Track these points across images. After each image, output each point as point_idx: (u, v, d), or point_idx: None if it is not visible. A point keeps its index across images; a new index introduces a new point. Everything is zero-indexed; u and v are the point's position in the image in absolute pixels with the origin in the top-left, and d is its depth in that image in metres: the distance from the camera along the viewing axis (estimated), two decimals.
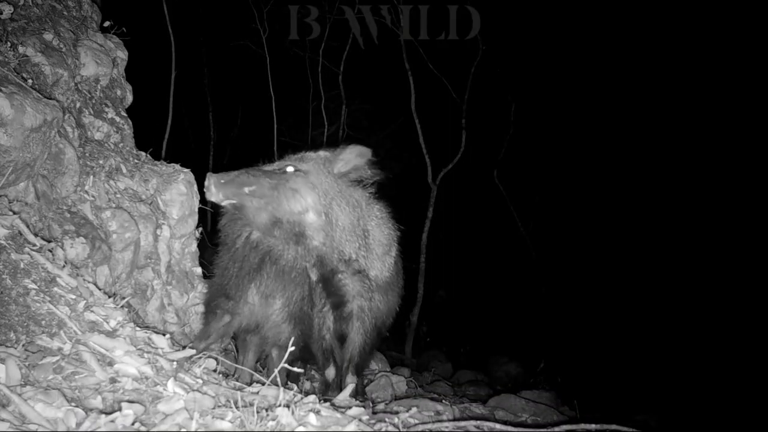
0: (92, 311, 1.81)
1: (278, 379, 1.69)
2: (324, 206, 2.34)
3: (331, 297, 2.55)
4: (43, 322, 1.63)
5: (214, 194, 2.29)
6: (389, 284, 2.48)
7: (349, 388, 2.12)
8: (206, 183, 2.31)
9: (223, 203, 2.37)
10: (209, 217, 6.85)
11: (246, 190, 2.29)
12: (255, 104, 9.01)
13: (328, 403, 1.82)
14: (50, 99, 2.24)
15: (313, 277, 2.48)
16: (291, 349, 1.87)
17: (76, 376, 1.47)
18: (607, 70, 9.13)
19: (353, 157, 2.42)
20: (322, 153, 2.49)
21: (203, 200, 3.14)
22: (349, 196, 2.41)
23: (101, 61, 2.90)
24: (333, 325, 2.68)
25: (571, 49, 8.98)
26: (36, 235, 2.01)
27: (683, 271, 8.30)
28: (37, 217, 2.15)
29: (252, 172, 2.37)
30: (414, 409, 2.18)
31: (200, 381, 1.73)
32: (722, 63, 8.59)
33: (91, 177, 2.57)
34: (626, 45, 8.92)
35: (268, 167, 2.47)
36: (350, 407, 1.79)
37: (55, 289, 1.80)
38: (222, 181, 2.29)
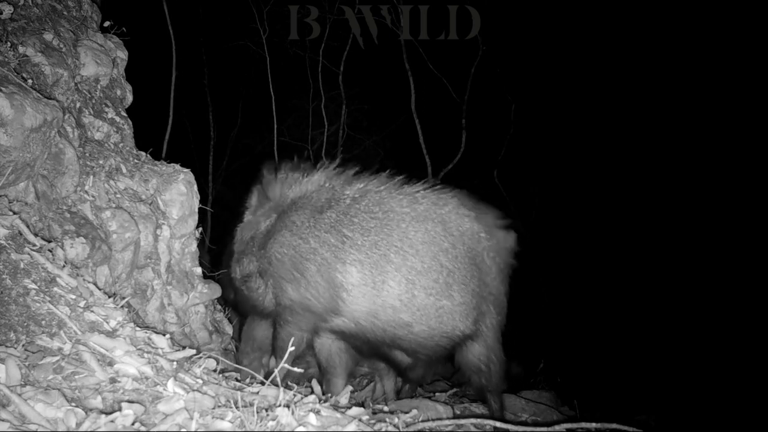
0: (92, 311, 1.81)
1: (278, 379, 1.69)
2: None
3: None
4: (43, 322, 1.63)
5: None
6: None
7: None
8: None
9: None
10: (209, 217, 6.87)
11: None
12: (255, 104, 8.99)
13: (328, 403, 1.82)
14: (50, 99, 2.24)
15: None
16: (291, 349, 1.88)
17: (76, 376, 1.47)
18: (607, 70, 9.12)
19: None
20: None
21: (203, 200, 3.19)
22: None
23: (101, 61, 2.90)
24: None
25: (571, 49, 8.97)
26: (36, 235, 2.00)
27: (683, 270, 8.30)
28: (37, 217, 2.15)
29: None
30: (414, 410, 2.18)
31: (200, 381, 1.73)
32: (722, 64, 8.58)
33: (91, 177, 2.57)
34: (626, 45, 8.92)
35: None
36: (350, 407, 1.80)
37: (55, 289, 1.80)
38: None
